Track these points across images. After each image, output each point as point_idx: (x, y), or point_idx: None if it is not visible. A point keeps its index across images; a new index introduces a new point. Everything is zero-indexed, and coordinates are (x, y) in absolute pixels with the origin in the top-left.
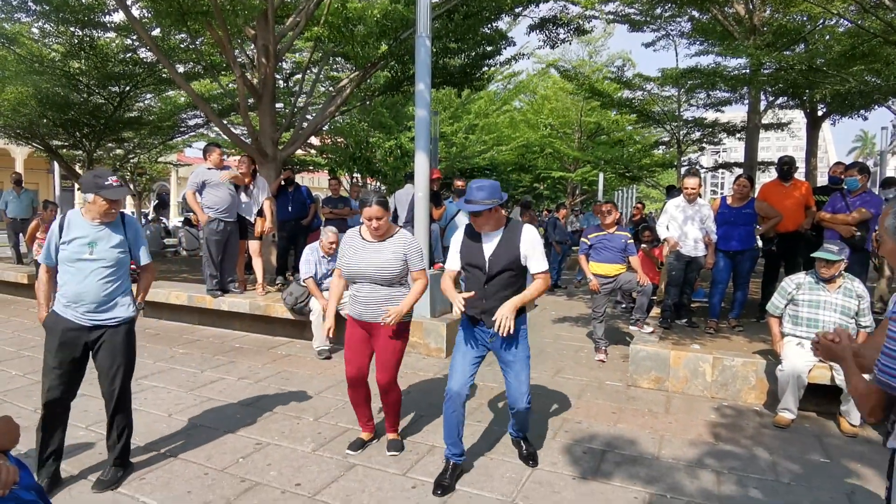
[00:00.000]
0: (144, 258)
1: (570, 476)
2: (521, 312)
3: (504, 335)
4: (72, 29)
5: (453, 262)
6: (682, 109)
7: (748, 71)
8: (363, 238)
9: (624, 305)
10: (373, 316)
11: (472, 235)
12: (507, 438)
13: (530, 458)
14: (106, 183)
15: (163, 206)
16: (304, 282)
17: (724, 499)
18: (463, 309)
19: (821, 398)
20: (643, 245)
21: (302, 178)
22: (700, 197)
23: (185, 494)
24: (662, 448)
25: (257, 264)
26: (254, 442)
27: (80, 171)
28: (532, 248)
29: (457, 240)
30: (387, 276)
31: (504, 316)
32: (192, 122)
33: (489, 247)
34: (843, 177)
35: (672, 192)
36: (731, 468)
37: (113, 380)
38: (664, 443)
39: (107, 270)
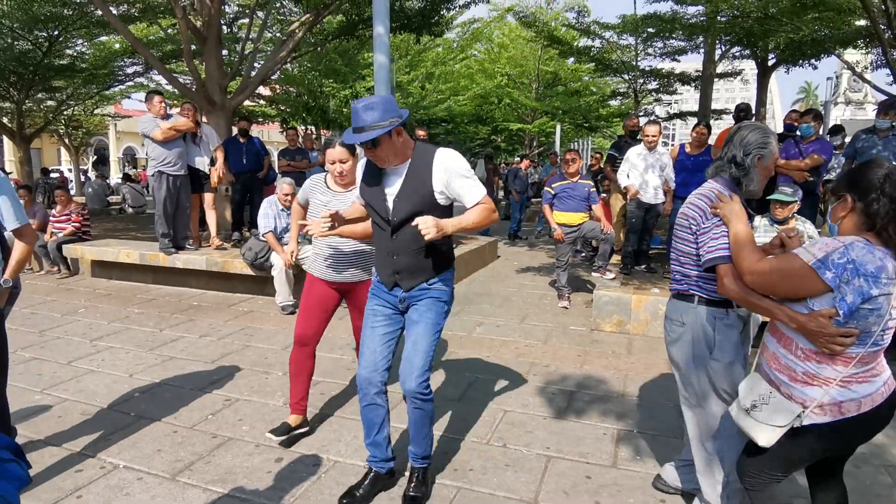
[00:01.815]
0: (11, 220)
1: (541, 416)
2: (445, 268)
3: (426, 236)
4: None
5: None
6: (639, 59)
7: (705, 18)
8: (329, 188)
9: (584, 254)
10: (342, 277)
11: (372, 173)
12: (480, 382)
13: (412, 499)
14: None
15: (101, 161)
16: (263, 236)
17: None
18: (290, 263)
19: None
20: (603, 194)
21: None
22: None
23: (154, 453)
24: (627, 386)
25: (211, 218)
26: (223, 398)
27: (8, 124)
28: (454, 176)
29: (358, 176)
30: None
31: (427, 224)
32: (130, 70)
33: (392, 189)
34: (795, 124)
35: None
36: None
37: None
38: (628, 382)
39: None
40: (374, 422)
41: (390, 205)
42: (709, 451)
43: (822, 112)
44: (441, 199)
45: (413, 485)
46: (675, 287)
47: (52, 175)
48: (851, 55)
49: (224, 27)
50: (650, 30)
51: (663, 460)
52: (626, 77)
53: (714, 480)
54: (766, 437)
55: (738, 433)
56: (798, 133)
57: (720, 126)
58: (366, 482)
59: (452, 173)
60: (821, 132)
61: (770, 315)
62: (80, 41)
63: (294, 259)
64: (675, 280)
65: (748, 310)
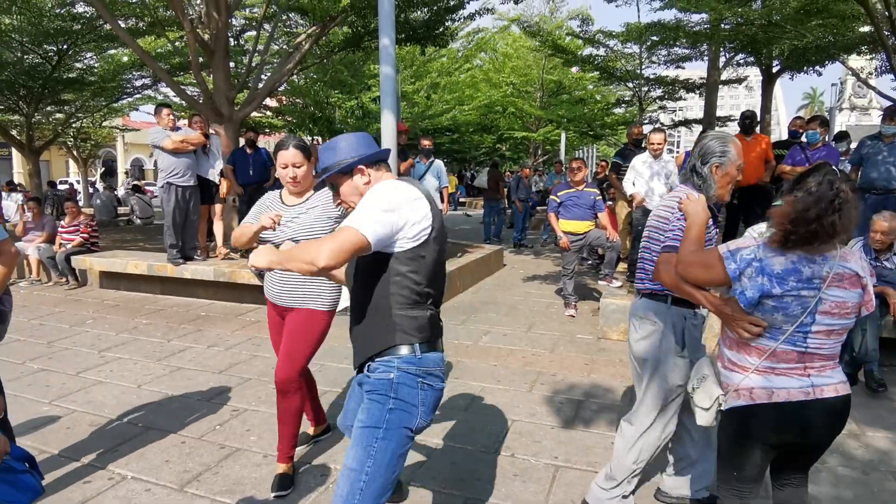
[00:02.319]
0: None
1: (549, 426)
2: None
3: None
4: None
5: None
6: (643, 67)
7: (709, 26)
8: (284, 203)
9: (590, 262)
10: (292, 300)
11: None
12: (486, 392)
13: None
14: None
15: (109, 173)
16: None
17: None
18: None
19: None
20: (609, 202)
21: (258, 142)
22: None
23: (162, 464)
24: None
25: (218, 228)
26: (230, 409)
27: (18, 137)
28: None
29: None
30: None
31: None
32: (138, 83)
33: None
34: (802, 131)
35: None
36: None
37: None
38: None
39: None
40: None
41: None
42: (637, 439)
43: (829, 117)
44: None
45: None
46: (649, 286)
47: (61, 187)
48: (856, 61)
49: (231, 40)
50: (654, 38)
51: None
52: (630, 85)
53: (622, 464)
54: (700, 418)
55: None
56: (804, 139)
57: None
58: None
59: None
60: (827, 138)
61: (694, 299)
62: (89, 55)
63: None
64: (647, 280)
65: (678, 294)
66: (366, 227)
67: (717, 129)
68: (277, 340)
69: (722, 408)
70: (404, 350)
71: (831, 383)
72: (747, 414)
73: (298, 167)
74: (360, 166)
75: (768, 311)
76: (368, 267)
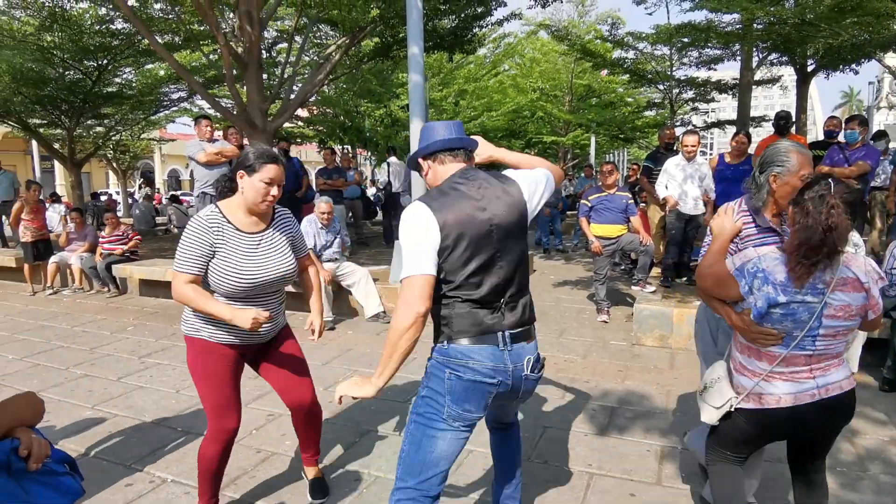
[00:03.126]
0: None
1: (582, 433)
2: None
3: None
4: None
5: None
6: (674, 69)
7: (741, 26)
8: (240, 230)
9: (622, 267)
10: (272, 329)
11: None
12: None
13: None
14: None
15: (148, 184)
16: None
17: None
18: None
19: None
20: (642, 204)
21: (290, 151)
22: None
23: None
24: (670, 402)
25: None
26: (266, 413)
27: (60, 150)
28: None
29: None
30: (292, 274)
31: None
32: (175, 96)
33: None
34: (837, 130)
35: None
36: None
37: None
38: (671, 397)
39: None
40: None
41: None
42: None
43: (867, 116)
44: None
45: None
46: None
47: (102, 198)
48: (892, 59)
49: (264, 52)
50: (685, 39)
51: None
52: (661, 87)
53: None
54: (706, 415)
55: None
56: (843, 139)
57: (760, 134)
58: None
59: None
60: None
61: (714, 309)
62: (127, 69)
63: (332, 276)
64: None
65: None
66: (417, 268)
67: (751, 128)
68: (235, 383)
69: (732, 409)
70: (437, 342)
71: (836, 381)
72: (757, 417)
73: (281, 186)
74: (418, 159)
75: (777, 320)
76: None
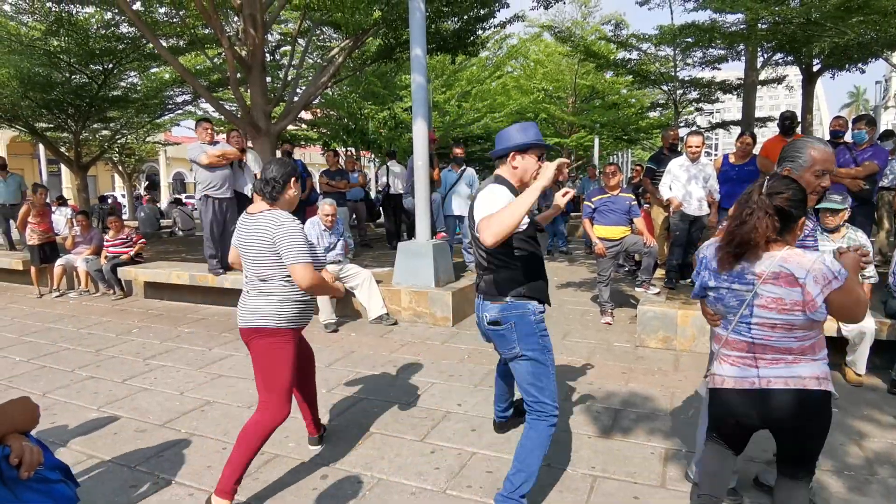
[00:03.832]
0: None
1: (586, 435)
2: None
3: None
4: (48, 4)
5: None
6: (678, 69)
7: (745, 26)
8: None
9: (626, 268)
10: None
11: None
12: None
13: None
14: None
15: (153, 187)
16: None
17: None
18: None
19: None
20: (645, 205)
21: (294, 154)
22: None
23: (205, 469)
24: (675, 404)
25: None
26: None
27: (66, 154)
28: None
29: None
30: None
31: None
32: (179, 100)
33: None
34: (843, 130)
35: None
36: None
37: None
38: (676, 399)
39: None
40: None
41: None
42: None
43: (874, 115)
44: None
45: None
46: None
47: (108, 201)
48: None
49: (267, 55)
50: (688, 40)
51: None
52: (665, 88)
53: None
54: (702, 389)
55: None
56: (851, 140)
57: (765, 135)
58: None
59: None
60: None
61: None
62: (132, 73)
63: (334, 278)
64: None
65: None
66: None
67: (755, 129)
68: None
69: (707, 387)
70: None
71: (782, 376)
72: (711, 395)
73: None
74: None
75: (712, 303)
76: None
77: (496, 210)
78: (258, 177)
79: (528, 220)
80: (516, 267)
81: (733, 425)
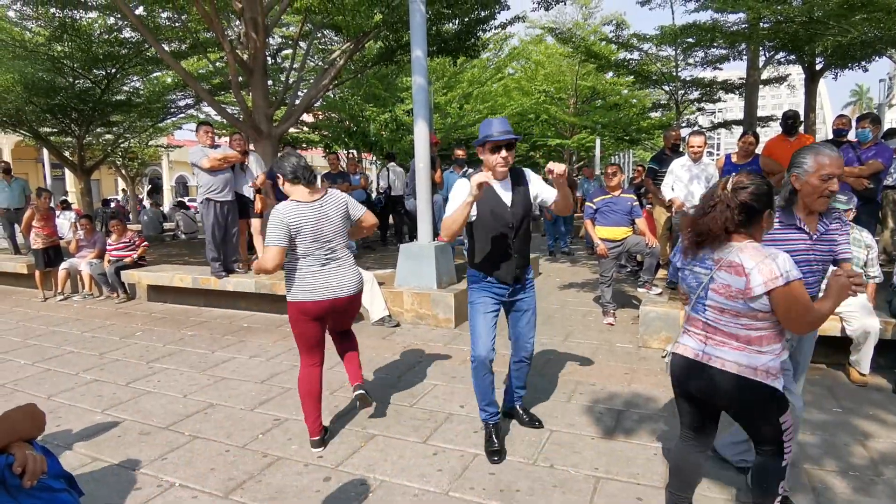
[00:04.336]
0: None
1: (589, 436)
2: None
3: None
4: (52, 10)
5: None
6: (679, 69)
7: (747, 26)
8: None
9: (628, 269)
10: (353, 288)
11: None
12: (524, 402)
13: (536, 421)
14: None
15: (156, 190)
16: None
17: None
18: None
19: (829, 349)
20: (647, 205)
21: None
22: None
23: (208, 472)
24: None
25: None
26: (272, 418)
27: (70, 158)
28: (539, 183)
29: (462, 187)
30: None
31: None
32: (181, 103)
33: (507, 196)
34: (846, 129)
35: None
36: None
37: None
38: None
39: None
40: (489, 387)
41: (510, 211)
42: None
43: (877, 114)
44: (534, 206)
45: (526, 415)
46: None
47: (111, 204)
48: None
49: (269, 58)
50: (690, 40)
51: (717, 480)
52: (666, 88)
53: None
54: None
55: None
56: (855, 138)
57: (767, 134)
58: (494, 436)
59: (537, 180)
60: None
61: None
62: (135, 78)
63: None
64: None
65: None
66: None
67: (758, 128)
68: (319, 335)
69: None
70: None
71: (721, 358)
72: (671, 359)
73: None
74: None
75: (680, 281)
76: (530, 218)
77: (450, 211)
78: (258, 177)
79: (475, 215)
80: (472, 246)
81: (679, 394)
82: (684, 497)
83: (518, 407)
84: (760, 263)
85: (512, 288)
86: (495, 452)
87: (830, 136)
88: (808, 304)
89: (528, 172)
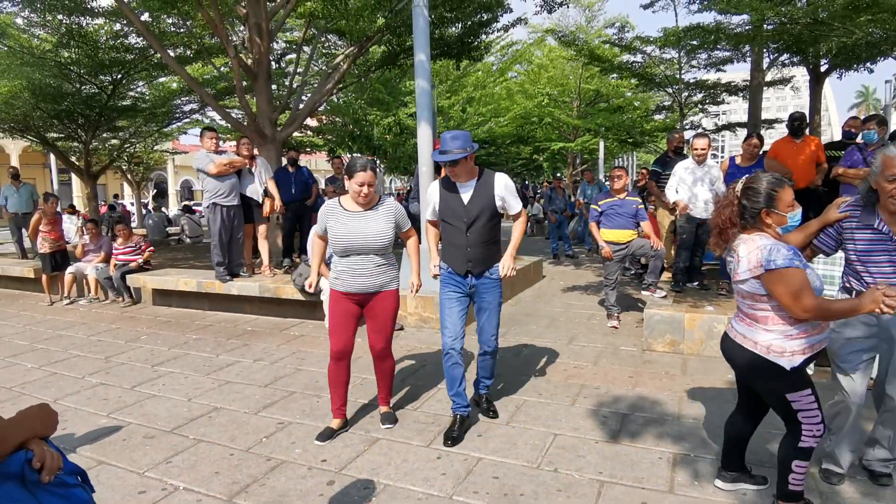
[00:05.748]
0: None
1: (593, 440)
2: (496, 260)
3: (510, 275)
4: (59, 17)
5: (431, 213)
6: (682, 71)
7: (750, 27)
8: (345, 209)
9: (633, 272)
10: (367, 286)
11: (448, 187)
12: (528, 405)
13: (491, 411)
14: None
15: (161, 195)
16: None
17: (748, 454)
18: (437, 272)
19: None
20: (650, 207)
21: (299, 161)
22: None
23: (212, 475)
24: (682, 408)
25: (263, 246)
26: (276, 421)
27: (77, 163)
28: (506, 192)
29: (433, 191)
30: (383, 244)
31: (508, 266)
32: (187, 108)
33: (465, 196)
34: (856, 131)
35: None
36: None
37: None
38: (684, 403)
39: None
40: (456, 377)
41: (465, 209)
42: None
43: (884, 115)
44: (499, 207)
45: (487, 404)
46: None
47: (117, 208)
48: None
49: (273, 63)
50: (693, 42)
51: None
52: (670, 91)
53: None
54: None
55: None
56: (861, 140)
57: (772, 136)
58: (457, 425)
59: (506, 189)
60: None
61: None
62: (141, 83)
63: (316, 288)
64: None
65: None
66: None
67: (762, 131)
68: (345, 323)
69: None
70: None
71: (740, 333)
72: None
73: (371, 185)
74: (471, 154)
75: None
76: (494, 217)
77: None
78: (268, 182)
79: (439, 210)
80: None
81: (729, 367)
82: (724, 472)
83: (483, 395)
84: (750, 253)
85: (468, 282)
86: (450, 437)
87: (837, 138)
88: (799, 294)
89: (499, 178)
